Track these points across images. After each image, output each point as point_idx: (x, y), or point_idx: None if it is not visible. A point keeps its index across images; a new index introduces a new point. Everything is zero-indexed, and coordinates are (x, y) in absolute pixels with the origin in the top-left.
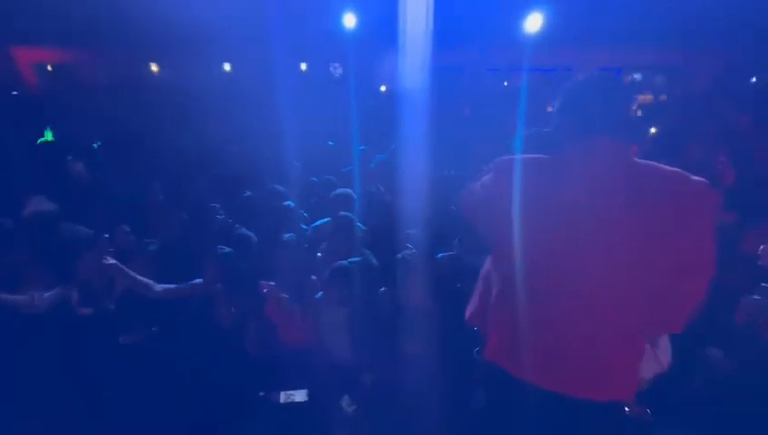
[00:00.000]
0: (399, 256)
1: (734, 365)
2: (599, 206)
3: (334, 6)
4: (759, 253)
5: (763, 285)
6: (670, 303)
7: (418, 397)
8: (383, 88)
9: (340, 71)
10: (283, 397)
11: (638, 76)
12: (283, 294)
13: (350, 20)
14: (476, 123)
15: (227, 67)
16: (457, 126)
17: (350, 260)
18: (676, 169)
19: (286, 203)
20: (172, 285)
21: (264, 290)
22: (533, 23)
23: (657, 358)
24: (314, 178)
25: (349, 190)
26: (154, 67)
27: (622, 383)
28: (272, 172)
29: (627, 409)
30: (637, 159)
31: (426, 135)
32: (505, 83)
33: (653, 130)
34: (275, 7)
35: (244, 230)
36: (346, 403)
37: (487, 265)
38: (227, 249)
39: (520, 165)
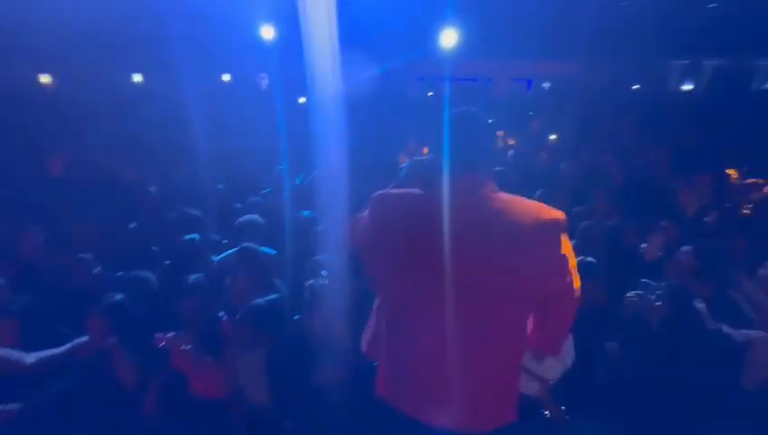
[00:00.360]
0: (308, 284)
1: (630, 356)
2: (464, 240)
3: (251, 17)
4: (642, 249)
5: (644, 280)
6: (540, 329)
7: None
8: (301, 100)
9: (266, 81)
10: None
11: (546, 85)
12: (187, 345)
13: (267, 32)
14: (399, 135)
15: (138, 78)
16: (380, 139)
17: (265, 299)
18: (534, 202)
19: (189, 237)
20: (49, 352)
21: (162, 344)
22: (449, 38)
23: (562, 358)
24: (238, 204)
25: (254, 216)
26: (45, 78)
27: (502, 410)
28: (184, 195)
29: (545, 412)
30: (499, 194)
31: (347, 150)
32: (430, 93)
33: (553, 136)
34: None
35: (139, 272)
36: None
37: (377, 296)
38: (118, 296)
39: (394, 200)
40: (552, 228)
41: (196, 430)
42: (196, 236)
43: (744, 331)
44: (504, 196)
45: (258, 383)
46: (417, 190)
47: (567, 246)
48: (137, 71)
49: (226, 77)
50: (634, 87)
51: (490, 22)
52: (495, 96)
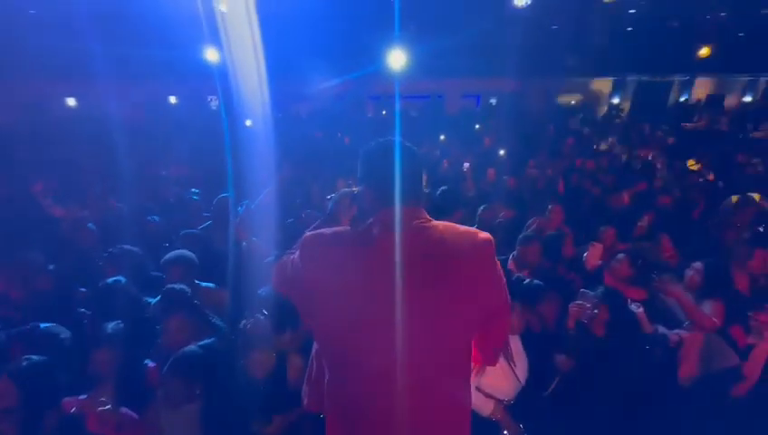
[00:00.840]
0: (242, 324)
1: (577, 365)
2: (402, 272)
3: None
4: (583, 259)
5: (582, 290)
6: (484, 341)
7: None
8: (248, 123)
9: (215, 104)
10: None
11: (493, 100)
12: (104, 405)
13: (212, 54)
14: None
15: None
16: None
17: (199, 344)
18: (466, 227)
19: (113, 280)
20: None
21: (72, 410)
22: (398, 58)
23: (515, 376)
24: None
25: (182, 252)
26: None
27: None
28: (120, 230)
29: (504, 432)
30: (432, 222)
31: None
32: (384, 112)
33: (502, 151)
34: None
35: (49, 326)
36: None
37: (315, 343)
38: (34, 358)
39: (327, 240)
40: (487, 249)
41: None
42: (120, 278)
43: (676, 330)
44: (438, 223)
45: None
46: (348, 229)
47: (497, 264)
48: (70, 95)
49: (173, 99)
50: (572, 102)
51: (438, 43)
52: (447, 111)
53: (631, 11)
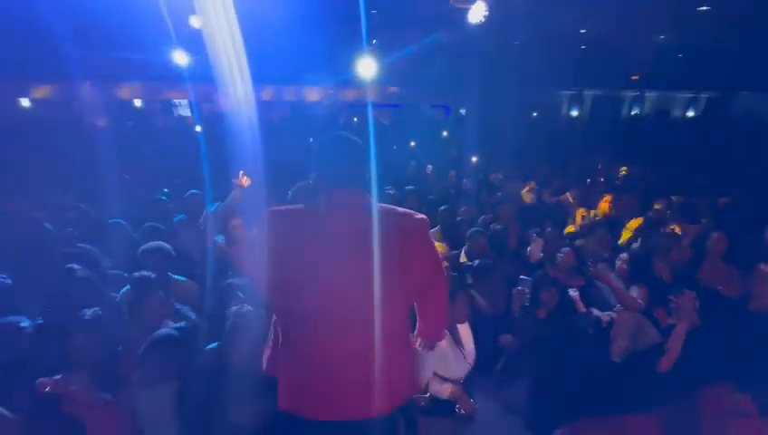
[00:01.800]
0: (231, 310)
1: (522, 344)
2: (349, 244)
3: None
4: (528, 252)
5: (522, 277)
6: (425, 314)
7: None
8: (198, 129)
9: (184, 109)
10: None
11: (462, 111)
12: (76, 386)
13: (180, 57)
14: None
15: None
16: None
17: (171, 327)
18: (405, 209)
19: (68, 266)
20: None
21: (46, 389)
22: (369, 68)
23: (465, 359)
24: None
25: (160, 243)
26: None
27: (400, 392)
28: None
29: (457, 407)
30: (376, 204)
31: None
32: (355, 119)
33: (474, 159)
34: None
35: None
36: None
37: (274, 311)
38: None
39: (283, 216)
40: (423, 227)
41: None
42: (73, 266)
43: (608, 312)
44: (381, 205)
45: (166, 421)
46: (302, 206)
47: (432, 241)
48: (26, 95)
49: (138, 103)
50: (534, 114)
51: (407, 54)
52: (418, 119)
53: (582, 30)
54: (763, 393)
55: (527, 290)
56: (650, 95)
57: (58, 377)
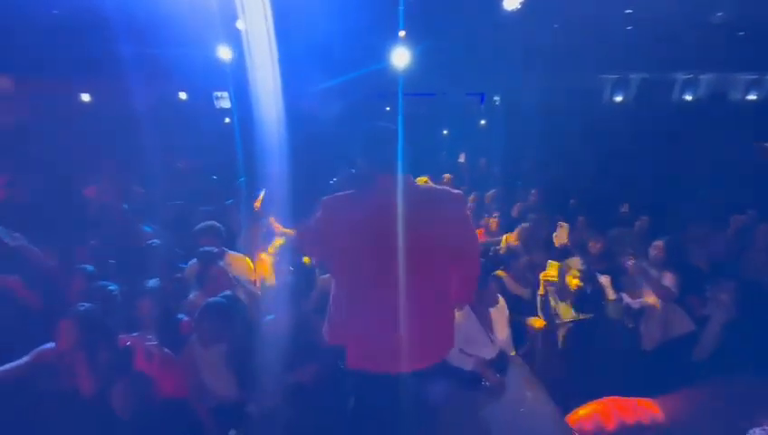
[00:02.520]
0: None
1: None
2: (399, 222)
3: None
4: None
5: (550, 261)
6: (461, 280)
7: (301, 415)
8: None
9: (224, 101)
10: None
11: (497, 98)
12: (151, 343)
13: (224, 52)
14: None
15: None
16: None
17: (221, 295)
18: (443, 187)
19: (151, 242)
20: (13, 364)
21: (128, 343)
22: (401, 58)
23: (491, 342)
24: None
25: (212, 223)
26: None
27: (445, 346)
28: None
29: (486, 382)
30: (417, 184)
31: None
32: (387, 108)
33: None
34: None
35: (105, 283)
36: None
37: (333, 288)
38: (86, 305)
39: (341, 201)
40: (461, 201)
41: (164, 428)
42: (155, 241)
43: (639, 299)
44: (422, 184)
45: (221, 376)
46: (354, 192)
47: (468, 213)
48: (88, 90)
49: (183, 95)
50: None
51: (441, 43)
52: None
53: (628, 11)
54: None
55: (554, 274)
56: (705, 78)
57: (135, 334)
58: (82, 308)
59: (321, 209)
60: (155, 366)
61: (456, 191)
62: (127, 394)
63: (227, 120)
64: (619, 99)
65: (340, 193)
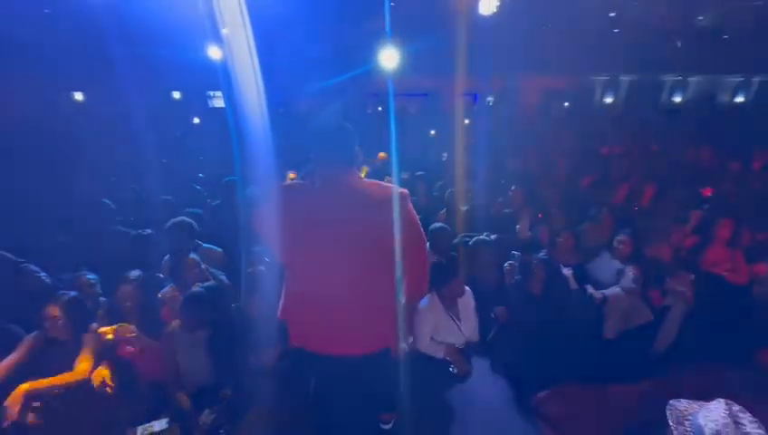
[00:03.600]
0: (249, 270)
1: (513, 318)
2: (342, 213)
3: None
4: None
5: (514, 252)
6: (407, 271)
7: (270, 396)
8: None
9: (217, 100)
10: (140, 431)
11: (490, 99)
12: (131, 333)
13: (215, 52)
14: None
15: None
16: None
17: (202, 286)
18: (386, 184)
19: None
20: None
21: (108, 336)
22: (393, 57)
23: (459, 331)
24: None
25: (183, 218)
26: None
27: (387, 336)
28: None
29: (451, 367)
30: (364, 180)
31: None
32: (379, 108)
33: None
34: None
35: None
36: (205, 415)
37: (286, 278)
38: (72, 293)
39: (291, 190)
40: (403, 197)
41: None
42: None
43: (602, 290)
44: (367, 180)
45: (199, 361)
46: (303, 182)
47: (412, 209)
48: (79, 88)
49: (176, 94)
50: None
51: (432, 41)
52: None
53: (611, 14)
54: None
55: (515, 264)
56: (694, 80)
57: (116, 325)
58: (66, 295)
59: (274, 195)
60: (136, 352)
61: (399, 189)
62: (110, 378)
63: (196, 119)
64: (608, 99)
65: (293, 182)
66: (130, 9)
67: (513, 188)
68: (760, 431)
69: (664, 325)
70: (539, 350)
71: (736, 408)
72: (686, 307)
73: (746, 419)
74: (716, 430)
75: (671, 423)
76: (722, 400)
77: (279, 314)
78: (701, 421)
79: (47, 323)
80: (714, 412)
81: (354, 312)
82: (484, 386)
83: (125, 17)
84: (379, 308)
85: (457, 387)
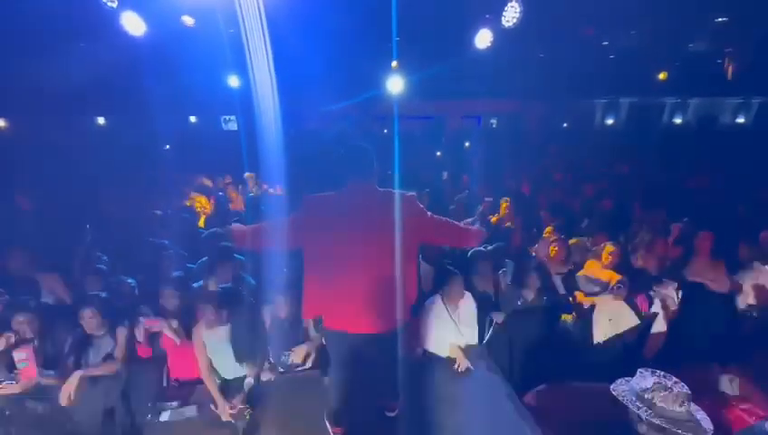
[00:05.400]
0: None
1: (508, 321)
2: (365, 218)
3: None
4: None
5: (507, 260)
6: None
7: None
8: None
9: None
10: (175, 415)
11: (493, 121)
12: (173, 326)
13: (233, 81)
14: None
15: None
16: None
17: (227, 285)
18: (401, 192)
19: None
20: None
21: (154, 327)
22: (395, 84)
23: (459, 331)
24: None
25: (215, 229)
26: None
27: (395, 319)
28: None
29: (457, 366)
30: (379, 189)
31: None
32: (385, 131)
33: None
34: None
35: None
36: (231, 403)
37: (307, 272)
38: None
39: (320, 199)
40: (413, 200)
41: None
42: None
43: (590, 297)
44: (384, 189)
45: (223, 355)
46: (333, 193)
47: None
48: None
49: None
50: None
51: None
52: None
53: (605, 43)
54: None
55: (509, 271)
56: (694, 102)
57: (158, 319)
58: (100, 297)
59: (304, 205)
60: (174, 344)
61: (410, 193)
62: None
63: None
64: (609, 122)
65: (321, 193)
66: (155, 42)
67: (506, 199)
68: (681, 388)
69: (651, 332)
70: (532, 352)
71: (662, 374)
72: (671, 314)
73: (671, 380)
74: (645, 387)
75: (616, 395)
76: (653, 371)
77: (304, 314)
78: (633, 385)
79: (83, 322)
80: (646, 380)
81: (372, 295)
82: (481, 381)
83: (149, 49)
84: (392, 293)
85: (457, 383)
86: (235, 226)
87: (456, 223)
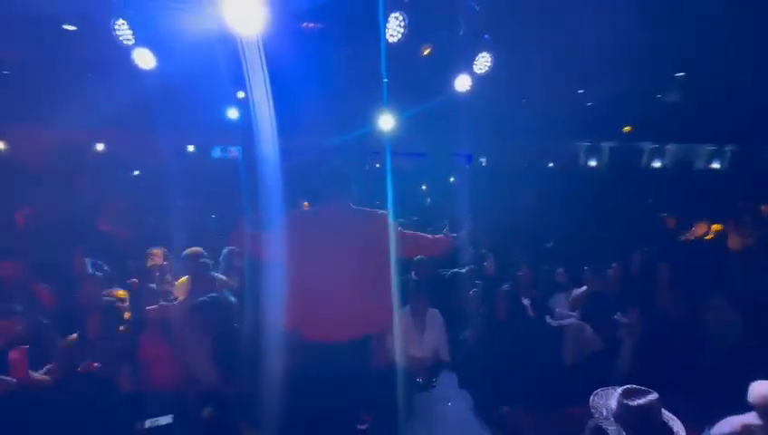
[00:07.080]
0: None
1: (479, 340)
2: (337, 236)
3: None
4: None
5: (477, 281)
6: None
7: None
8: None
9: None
10: (148, 423)
11: (482, 160)
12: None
13: (233, 113)
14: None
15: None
16: None
17: (209, 296)
18: (371, 209)
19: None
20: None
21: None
22: (386, 122)
23: (421, 344)
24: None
25: (195, 248)
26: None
27: (369, 331)
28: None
29: (418, 379)
30: (354, 207)
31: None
32: (377, 165)
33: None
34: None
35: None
36: (206, 411)
37: (288, 285)
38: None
39: (301, 216)
40: (385, 217)
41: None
42: None
43: (558, 320)
44: (359, 208)
45: (205, 363)
46: (313, 210)
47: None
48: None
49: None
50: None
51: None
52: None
53: (580, 91)
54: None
55: (479, 292)
56: (671, 147)
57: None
58: (103, 302)
59: (286, 220)
60: (155, 352)
61: (382, 211)
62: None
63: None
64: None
65: (302, 210)
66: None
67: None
68: (643, 401)
69: (619, 356)
70: (502, 370)
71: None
72: (635, 339)
73: (636, 397)
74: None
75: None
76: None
77: (284, 324)
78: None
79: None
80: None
81: (346, 304)
82: (453, 400)
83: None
84: (366, 300)
85: (428, 399)
86: None
87: (425, 234)
